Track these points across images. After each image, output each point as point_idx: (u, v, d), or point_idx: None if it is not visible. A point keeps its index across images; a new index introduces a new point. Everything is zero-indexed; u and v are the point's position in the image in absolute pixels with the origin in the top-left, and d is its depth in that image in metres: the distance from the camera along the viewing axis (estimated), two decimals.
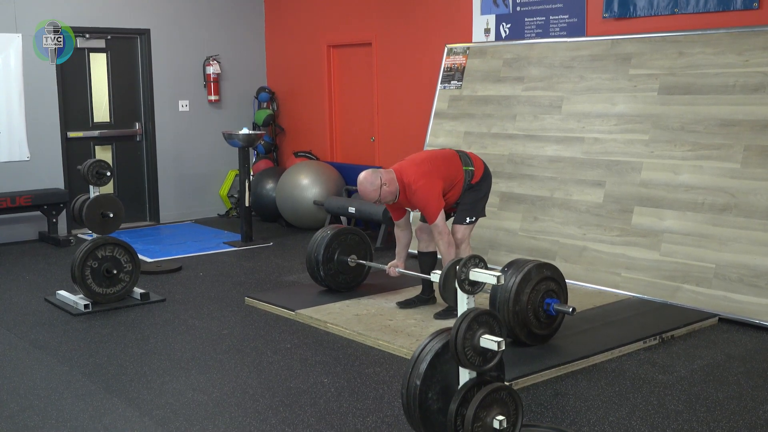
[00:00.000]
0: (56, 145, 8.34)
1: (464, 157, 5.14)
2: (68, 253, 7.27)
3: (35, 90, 8.10)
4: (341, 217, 7.91)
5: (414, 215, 6.34)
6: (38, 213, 8.02)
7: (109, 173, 5.80)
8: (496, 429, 2.98)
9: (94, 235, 5.69)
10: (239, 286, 6.25)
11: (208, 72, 9.26)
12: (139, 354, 4.69)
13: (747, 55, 5.41)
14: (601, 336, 4.76)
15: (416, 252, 5.51)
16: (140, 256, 6.49)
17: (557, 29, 6.76)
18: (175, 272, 6.75)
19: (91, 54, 8.67)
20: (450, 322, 3.36)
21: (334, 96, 9.05)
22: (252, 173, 8.84)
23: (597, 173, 6.02)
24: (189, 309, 5.62)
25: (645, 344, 4.69)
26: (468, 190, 5.11)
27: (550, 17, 6.81)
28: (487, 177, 5.21)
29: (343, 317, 5.16)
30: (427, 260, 5.35)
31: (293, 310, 5.35)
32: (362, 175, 4.94)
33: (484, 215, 5.30)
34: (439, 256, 5.24)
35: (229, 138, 7.82)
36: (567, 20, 6.70)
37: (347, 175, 8.45)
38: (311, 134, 9.34)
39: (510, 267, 4.44)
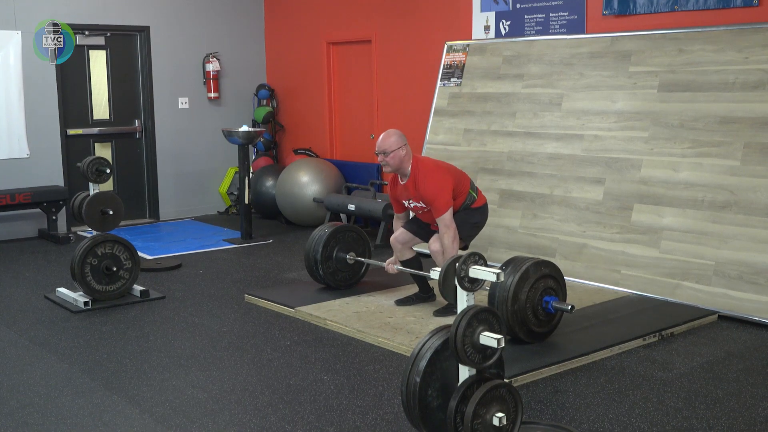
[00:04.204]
0: (56, 143, 8.34)
1: (472, 183, 5.22)
2: (68, 251, 7.27)
3: (35, 87, 8.09)
4: (341, 215, 7.90)
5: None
6: (38, 210, 8.01)
7: (108, 170, 5.80)
8: (495, 426, 2.98)
9: (94, 233, 5.69)
10: (239, 283, 6.25)
11: (207, 69, 9.25)
12: (139, 351, 4.69)
13: (747, 52, 5.41)
14: (600, 333, 4.76)
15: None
16: (140, 254, 6.48)
17: (557, 26, 6.76)
18: (175, 269, 6.75)
19: (90, 51, 8.66)
20: (449, 320, 3.36)
21: (334, 93, 9.04)
22: (252, 170, 8.84)
23: (597, 170, 6.02)
24: (189, 306, 5.62)
25: (644, 341, 4.69)
26: (465, 209, 5.13)
27: (550, 14, 6.80)
28: (484, 211, 5.23)
29: (343, 314, 5.16)
30: (411, 264, 5.29)
31: (293, 308, 5.35)
32: (392, 130, 5.06)
33: (467, 245, 5.24)
34: (427, 253, 5.21)
35: (229, 135, 7.82)
36: (567, 17, 6.69)
37: (347, 172, 8.44)
38: (311, 131, 9.33)
39: (508, 265, 4.44)
